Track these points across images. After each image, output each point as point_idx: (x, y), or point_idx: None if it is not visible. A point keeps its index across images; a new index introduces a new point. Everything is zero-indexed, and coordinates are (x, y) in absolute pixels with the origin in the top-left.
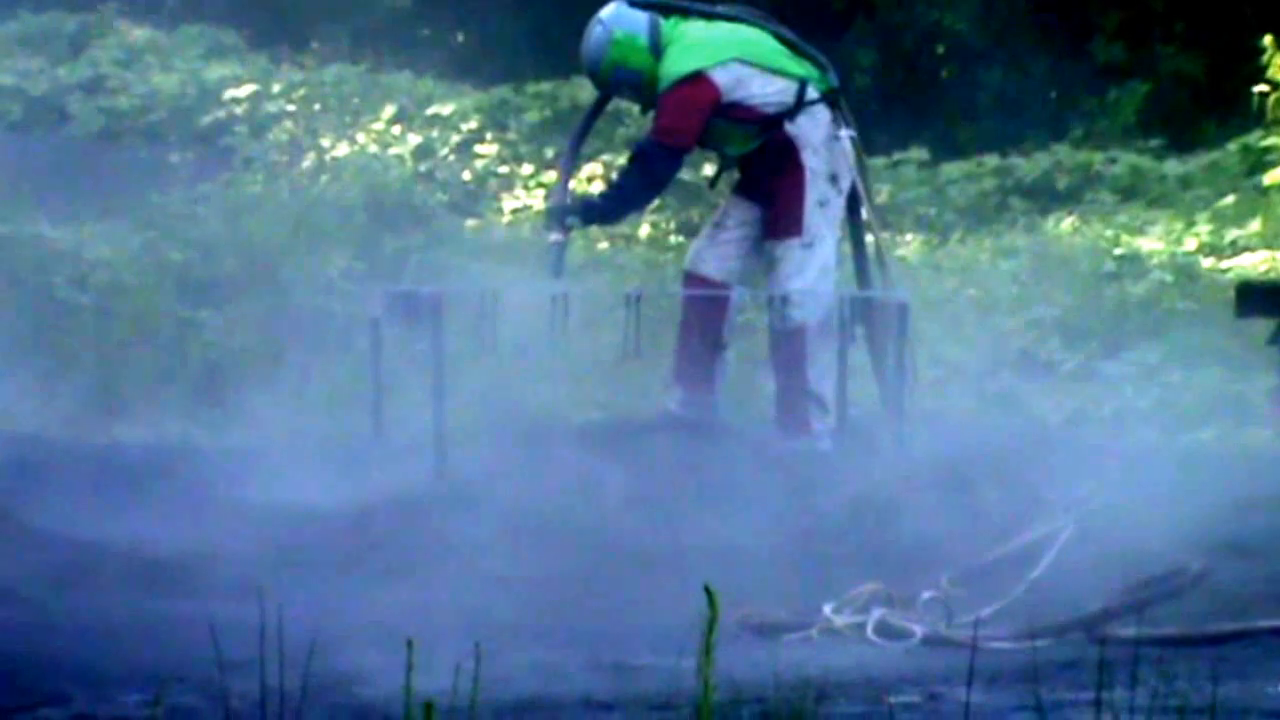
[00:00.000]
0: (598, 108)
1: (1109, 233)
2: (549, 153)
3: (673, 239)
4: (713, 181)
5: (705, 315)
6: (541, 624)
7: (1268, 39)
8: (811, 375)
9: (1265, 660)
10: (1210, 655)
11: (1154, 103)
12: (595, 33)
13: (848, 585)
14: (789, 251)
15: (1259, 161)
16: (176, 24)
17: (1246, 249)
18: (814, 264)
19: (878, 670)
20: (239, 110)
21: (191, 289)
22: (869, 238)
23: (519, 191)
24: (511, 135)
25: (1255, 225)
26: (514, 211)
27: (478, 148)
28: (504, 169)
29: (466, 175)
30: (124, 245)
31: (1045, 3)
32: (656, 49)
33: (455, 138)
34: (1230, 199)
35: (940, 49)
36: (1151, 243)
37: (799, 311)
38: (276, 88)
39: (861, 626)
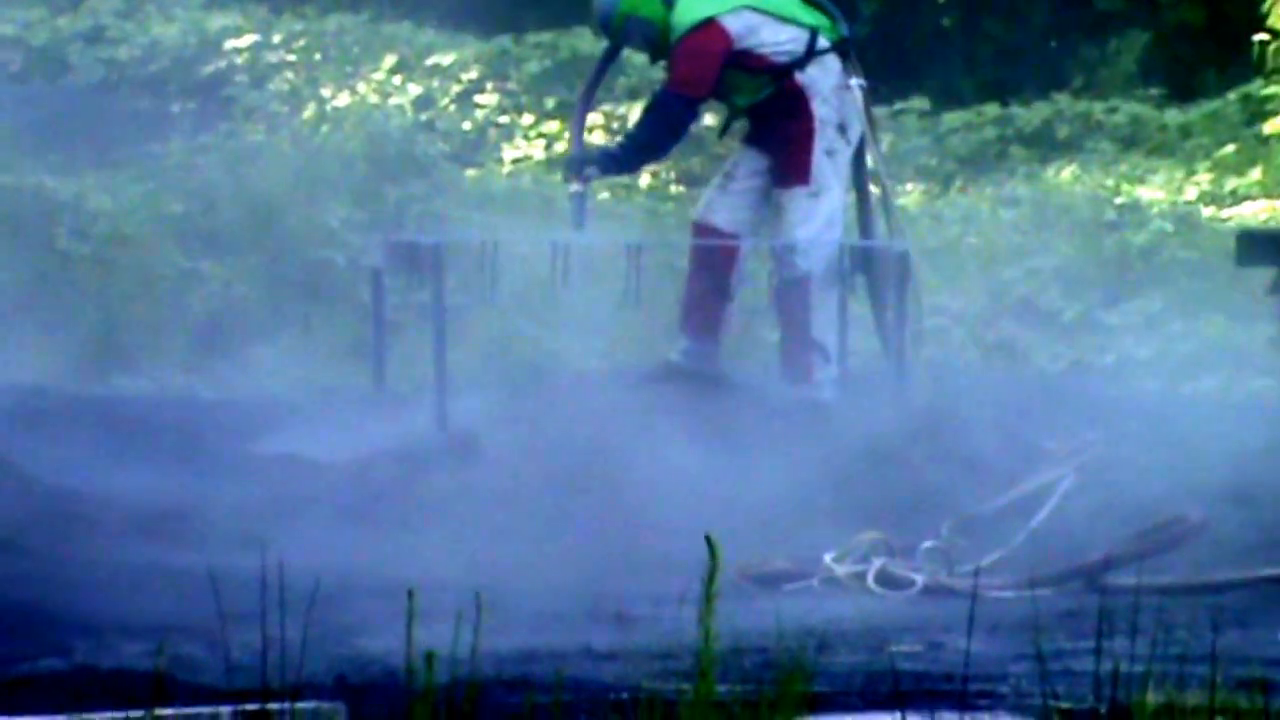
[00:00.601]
0: (608, 58)
1: (1109, 182)
2: (549, 103)
3: (673, 189)
4: (722, 131)
5: (715, 266)
6: (543, 574)
7: None
8: (815, 325)
9: (1266, 608)
10: (1211, 603)
11: (1154, 52)
12: None
13: (849, 535)
14: (795, 200)
15: (1259, 110)
16: None
17: (1247, 198)
18: (820, 213)
19: (879, 619)
20: (239, 60)
21: (192, 240)
22: (875, 189)
23: (519, 141)
24: (512, 85)
25: (1256, 174)
26: (514, 161)
27: (478, 98)
28: (504, 119)
29: (467, 125)
30: (124, 196)
31: None
32: None
33: (456, 88)
34: (1231, 148)
35: None
36: (1152, 192)
37: (804, 260)
38: (277, 38)
39: (862, 576)
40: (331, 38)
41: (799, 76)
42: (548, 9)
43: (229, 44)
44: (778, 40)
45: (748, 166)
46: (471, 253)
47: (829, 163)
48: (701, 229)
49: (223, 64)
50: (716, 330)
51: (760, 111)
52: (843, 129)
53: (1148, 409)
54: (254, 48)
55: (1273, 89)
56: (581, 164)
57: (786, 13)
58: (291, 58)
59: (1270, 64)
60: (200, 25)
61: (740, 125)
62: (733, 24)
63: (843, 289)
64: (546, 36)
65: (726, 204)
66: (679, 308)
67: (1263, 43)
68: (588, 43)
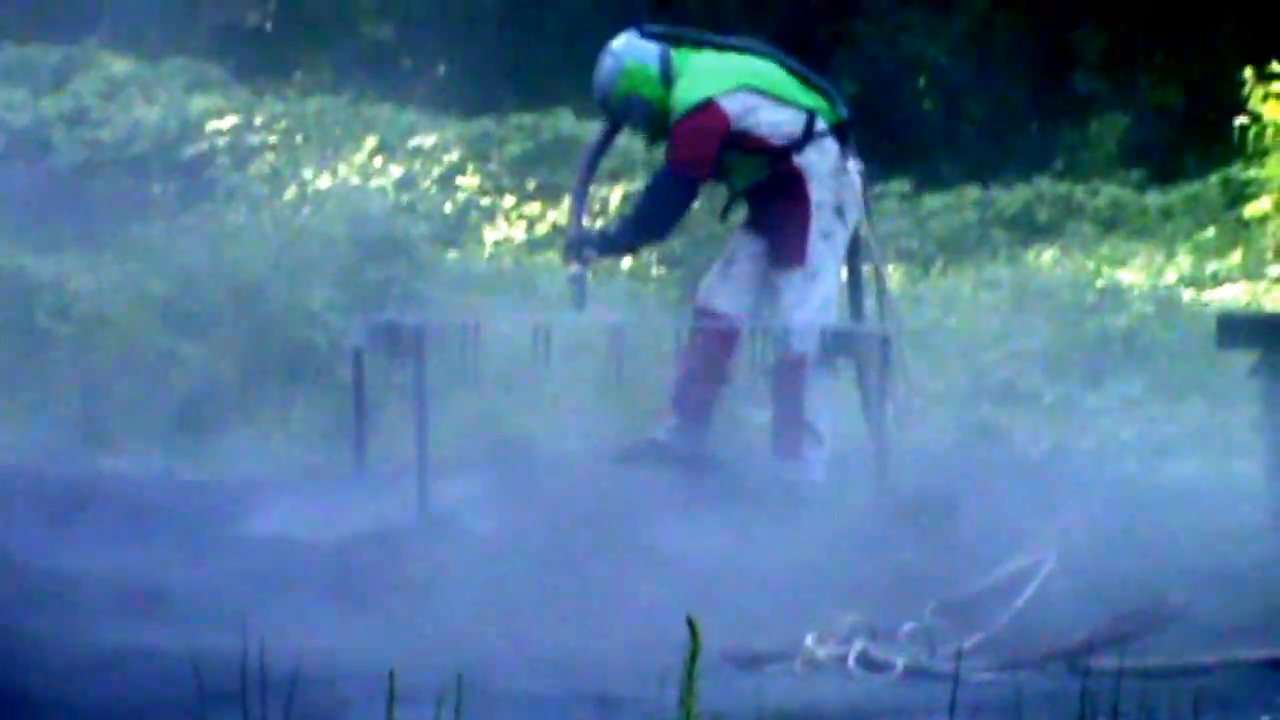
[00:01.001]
0: (607, 138)
1: (1090, 264)
2: (531, 184)
3: (654, 271)
4: (722, 214)
5: (715, 350)
6: (524, 655)
7: (1248, 71)
8: (808, 405)
9: (1247, 691)
10: (1192, 687)
11: (1135, 134)
12: (606, 63)
13: (830, 617)
14: (791, 282)
15: (1240, 193)
16: (159, 56)
17: (1227, 280)
18: (816, 295)
19: (860, 702)
20: (221, 142)
21: (173, 320)
22: (868, 268)
23: (500, 223)
24: (493, 166)
25: (1236, 257)
26: (496, 243)
27: (459, 179)
28: (486, 200)
29: (448, 207)
30: (106, 276)
31: (1026, 33)
32: (668, 79)
33: (437, 169)
34: (1211, 231)
35: (922, 80)
36: (1133, 274)
37: (799, 342)
38: (259, 119)
39: (843, 658)
40: (313, 119)
41: (796, 159)
42: (529, 90)
43: (211, 125)
44: (775, 121)
45: (747, 250)
46: (453, 333)
47: (825, 245)
48: (703, 313)
49: (205, 145)
50: (707, 412)
51: (758, 194)
52: (840, 212)
53: (1129, 492)
54: (236, 129)
55: (1253, 172)
56: (580, 245)
57: (785, 94)
58: (273, 139)
59: (1251, 147)
60: (182, 107)
61: (739, 208)
62: (731, 104)
63: (824, 371)
64: (528, 118)
65: (728, 289)
66: (670, 387)
67: (1243, 126)
68: (569, 124)
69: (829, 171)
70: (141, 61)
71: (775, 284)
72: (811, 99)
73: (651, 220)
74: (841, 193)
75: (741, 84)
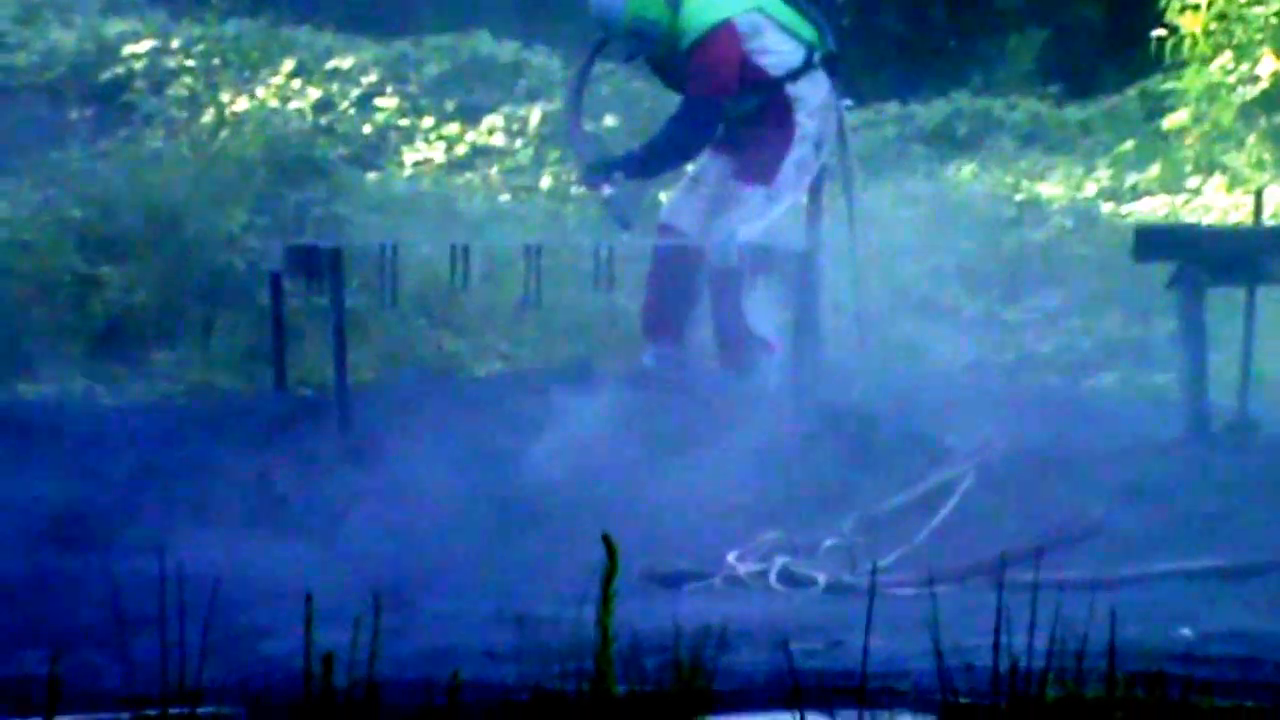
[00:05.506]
0: (587, 67)
1: (1009, 179)
2: (450, 105)
3: (573, 189)
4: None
5: (678, 268)
6: (445, 577)
7: None
8: (750, 314)
9: (1165, 604)
10: (1110, 599)
11: (1053, 48)
12: None
13: (751, 534)
14: (753, 197)
15: (1158, 106)
16: None
17: (1146, 194)
18: (768, 217)
19: (781, 618)
20: (138, 66)
21: (92, 246)
22: (826, 197)
23: (420, 144)
24: (412, 88)
25: (1155, 170)
26: (415, 164)
27: (378, 101)
28: (404, 122)
29: (367, 129)
30: (23, 202)
31: None
32: (673, 1)
33: (355, 91)
34: (1130, 144)
35: None
36: (1052, 189)
37: (724, 256)
38: (176, 43)
39: (765, 575)
40: (230, 43)
41: (789, 88)
42: (447, 12)
43: (127, 50)
44: (780, 49)
45: (718, 171)
46: (371, 256)
47: (795, 174)
48: (666, 229)
49: (121, 70)
50: (679, 332)
51: (743, 117)
52: (818, 146)
53: (1048, 405)
54: (152, 53)
55: (1171, 84)
56: (607, 170)
57: (789, 21)
58: (190, 63)
59: (1169, 59)
60: (98, 31)
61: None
62: (744, 24)
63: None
64: (446, 39)
65: (691, 206)
66: (641, 312)
67: (1161, 38)
68: (487, 45)
69: (819, 105)
70: None
71: (734, 194)
72: (809, 32)
73: (683, 145)
74: (824, 127)
75: (754, 6)
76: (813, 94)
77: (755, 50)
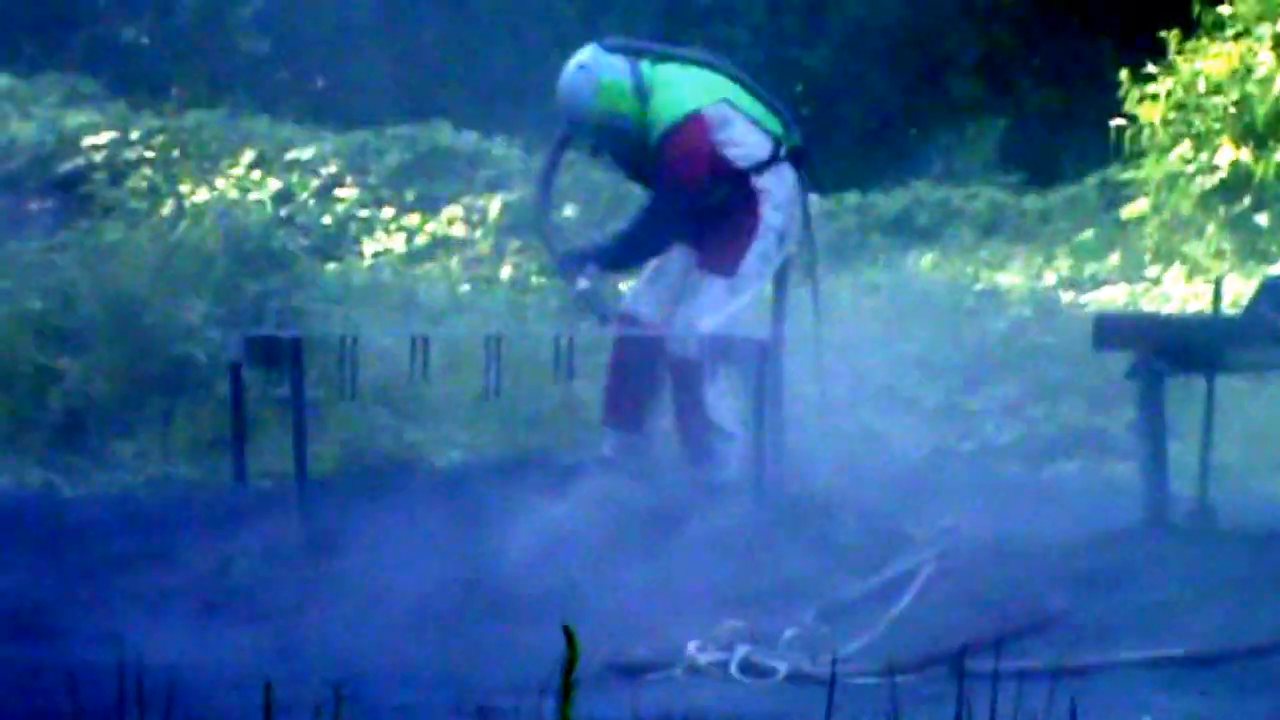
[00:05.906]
0: (556, 158)
1: (969, 268)
2: (409, 195)
3: (534, 279)
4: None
5: (639, 358)
6: (405, 668)
7: (1124, 73)
8: (710, 405)
9: (1127, 692)
10: (1072, 688)
11: (1012, 137)
12: (577, 79)
13: (711, 623)
14: (714, 286)
15: (1117, 195)
16: (34, 71)
17: (1106, 282)
18: (730, 307)
19: (742, 708)
20: (98, 157)
21: (51, 336)
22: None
23: (380, 235)
24: (372, 178)
25: (1114, 259)
26: (375, 255)
27: (338, 191)
28: (364, 212)
29: (327, 219)
30: None
31: (902, 40)
32: (641, 93)
33: (315, 182)
34: (1089, 233)
35: (799, 87)
36: (1011, 278)
37: (682, 347)
38: (135, 134)
39: (725, 664)
40: (189, 134)
41: (756, 180)
42: (406, 102)
43: (87, 141)
44: (747, 141)
45: (681, 260)
46: (331, 346)
47: (759, 265)
48: (627, 318)
49: (81, 161)
50: (640, 421)
51: (708, 208)
52: (782, 238)
53: (1009, 494)
54: (112, 144)
55: (1130, 173)
56: (581, 262)
57: (756, 114)
58: (150, 154)
59: (1127, 149)
60: (58, 123)
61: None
62: (712, 115)
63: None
64: (406, 129)
65: (654, 295)
66: (602, 401)
67: (1120, 128)
68: (447, 135)
69: (785, 198)
70: (15, 77)
71: (696, 284)
72: (774, 123)
73: (656, 236)
74: (790, 221)
75: (722, 97)
76: (779, 187)
77: (723, 141)
